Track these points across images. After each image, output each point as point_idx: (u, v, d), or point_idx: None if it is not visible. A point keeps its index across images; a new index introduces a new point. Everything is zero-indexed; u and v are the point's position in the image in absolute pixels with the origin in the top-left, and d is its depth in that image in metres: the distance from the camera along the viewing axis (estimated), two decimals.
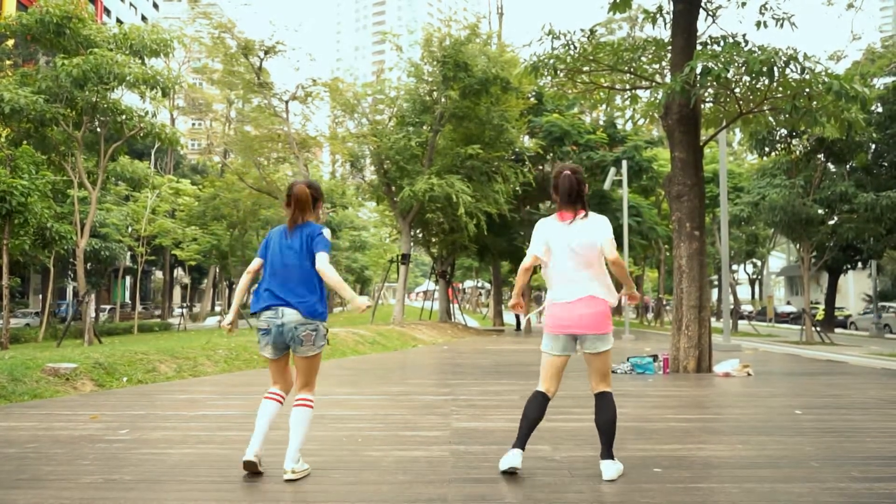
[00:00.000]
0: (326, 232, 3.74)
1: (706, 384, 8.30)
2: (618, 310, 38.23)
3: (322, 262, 3.63)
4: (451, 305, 28.03)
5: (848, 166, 21.09)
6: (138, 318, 31.36)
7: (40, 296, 31.20)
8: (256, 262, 3.86)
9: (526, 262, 3.83)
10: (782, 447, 4.48)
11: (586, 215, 3.73)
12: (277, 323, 3.62)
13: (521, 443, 3.71)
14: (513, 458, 3.66)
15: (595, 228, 3.70)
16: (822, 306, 29.45)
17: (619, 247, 16.47)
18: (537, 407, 3.72)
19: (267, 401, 3.74)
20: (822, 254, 22.19)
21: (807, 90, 8.61)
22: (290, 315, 3.62)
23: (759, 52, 8.30)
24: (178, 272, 46.97)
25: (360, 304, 3.73)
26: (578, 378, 8.54)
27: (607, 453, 3.66)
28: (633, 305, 30.83)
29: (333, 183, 29.75)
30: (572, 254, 3.68)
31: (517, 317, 27.20)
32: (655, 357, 9.59)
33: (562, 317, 3.68)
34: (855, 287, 40.53)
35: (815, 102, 8.73)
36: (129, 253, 30.77)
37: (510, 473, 3.69)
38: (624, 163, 20.54)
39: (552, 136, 22.75)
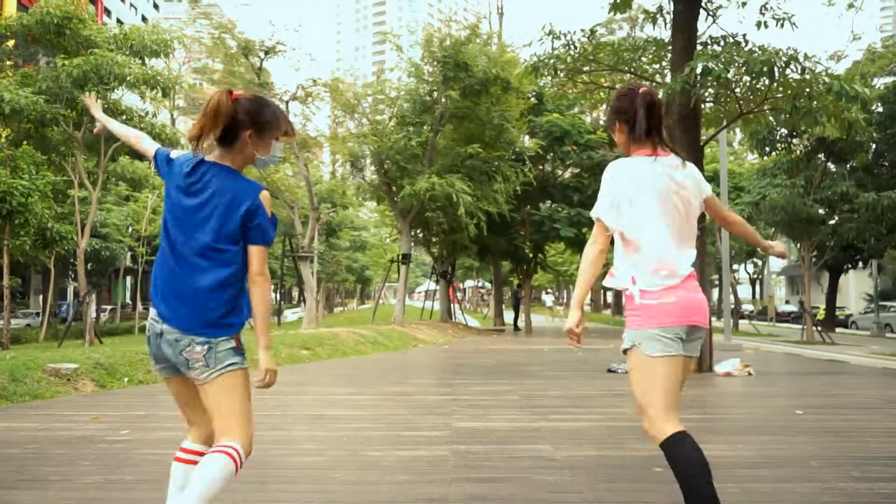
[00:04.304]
0: (266, 199, 2.29)
1: (707, 384, 8.29)
2: (619, 308, 38.22)
3: (258, 266, 2.30)
4: (451, 305, 28.03)
5: (848, 166, 21.08)
6: (139, 318, 31.35)
7: (41, 296, 31.19)
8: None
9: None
10: (783, 447, 4.48)
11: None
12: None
13: None
14: None
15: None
16: (822, 307, 29.41)
17: None
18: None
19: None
20: (822, 253, 22.17)
21: (807, 90, 8.61)
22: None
23: (760, 53, 8.31)
24: None
25: None
26: (576, 377, 8.53)
27: None
28: None
29: (334, 183, 29.75)
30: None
31: (515, 317, 27.14)
32: None
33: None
34: (856, 287, 40.47)
35: (815, 102, 8.73)
36: (129, 253, 30.77)
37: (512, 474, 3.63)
38: None
39: (552, 135, 22.76)
